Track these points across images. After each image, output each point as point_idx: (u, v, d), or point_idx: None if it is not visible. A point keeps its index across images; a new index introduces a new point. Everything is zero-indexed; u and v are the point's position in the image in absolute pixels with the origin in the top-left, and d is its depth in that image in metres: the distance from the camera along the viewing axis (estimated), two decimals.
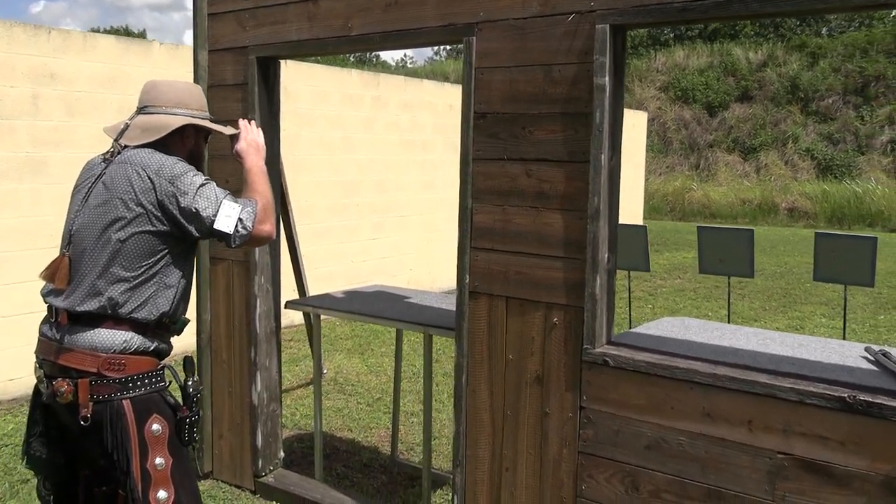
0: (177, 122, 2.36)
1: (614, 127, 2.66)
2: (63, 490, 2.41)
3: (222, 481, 3.95)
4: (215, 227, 2.23)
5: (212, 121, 2.52)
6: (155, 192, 2.21)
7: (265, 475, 3.81)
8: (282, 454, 3.93)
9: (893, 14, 27.05)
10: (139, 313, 2.23)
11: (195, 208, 2.21)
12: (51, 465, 2.33)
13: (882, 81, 22.30)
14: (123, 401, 2.18)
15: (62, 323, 2.22)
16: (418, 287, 8.53)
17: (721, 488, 2.45)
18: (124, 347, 2.21)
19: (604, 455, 2.70)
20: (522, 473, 2.90)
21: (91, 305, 2.20)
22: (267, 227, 2.32)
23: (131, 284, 2.21)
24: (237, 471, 3.89)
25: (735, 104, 24.22)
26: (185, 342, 5.33)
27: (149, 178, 2.21)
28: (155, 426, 2.21)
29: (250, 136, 2.52)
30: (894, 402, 2.17)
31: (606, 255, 2.69)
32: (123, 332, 2.22)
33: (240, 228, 2.26)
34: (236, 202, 2.28)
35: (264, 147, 2.54)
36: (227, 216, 2.23)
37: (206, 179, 2.28)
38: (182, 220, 2.22)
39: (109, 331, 2.21)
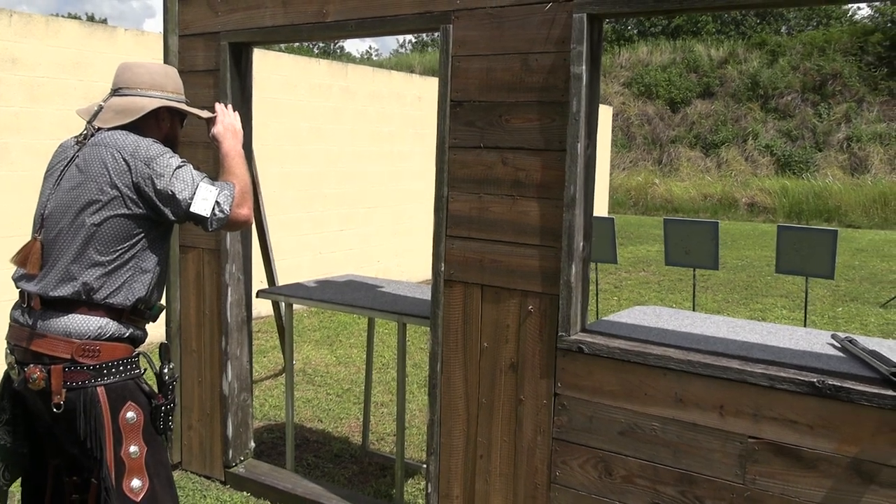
0: (152, 104, 2.32)
1: (590, 116, 2.68)
2: (29, 480, 2.37)
3: (192, 472, 3.91)
4: (192, 210, 2.20)
5: (187, 104, 2.48)
6: (130, 174, 2.17)
7: (235, 465, 3.78)
8: (252, 444, 3.90)
9: (850, 13, 27.66)
10: (114, 298, 2.19)
11: (171, 191, 2.18)
12: (15, 454, 2.28)
13: (839, 80, 22.78)
14: (98, 388, 2.14)
15: (35, 308, 2.18)
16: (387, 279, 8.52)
17: (693, 473, 2.50)
18: (99, 333, 2.17)
19: (578, 441, 2.73)
20: (497, 460, 2.92)
21: (65, 290, 2.16)
22: (244, 211, 2.30)
23: (106, 269, 2.18)
24: (207, 461, 3.85)
25: (697, 100, 24.56)
26: (153, 332, 5.26)
27: (124, 160, 2.18)
28: (129, 414, 2.18)
29: (227, 120, 2.49)
30: (861, 386, 2.23)
31: (581, 244, 2.72)
32: (98, 317, 2.18)
33: (217, 212, 2.23)
34: (213, 185, 2.25)
35: (241, 131, 2.51)
36: (204, 199, 2.20)
37: (182, 162, 2.25)
38: (158, 203, 2.19)
39: (84, 316, 2.17)
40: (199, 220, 2.23)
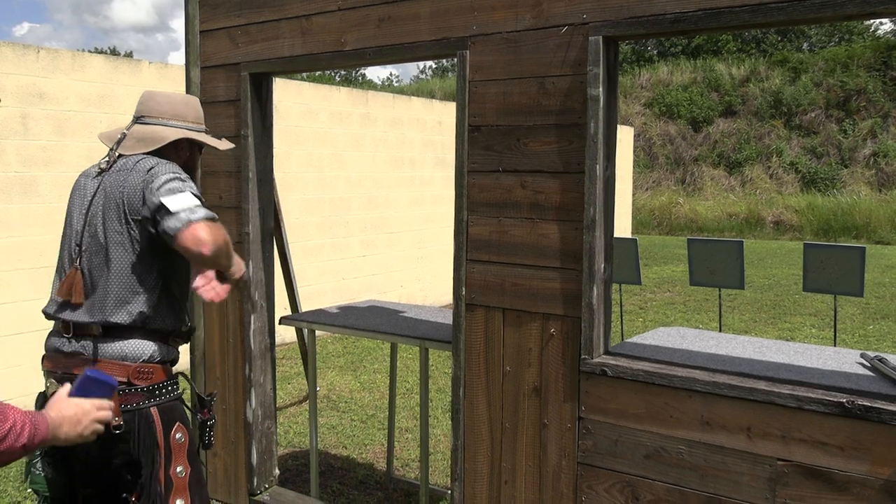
0: (172, 134, 2.37)
1: (608, 137, 2.68)
2: None
3: (217, 500, 3.91)
4: (162, 200, 2.10)
5: (207, 132, 2.52)
6: (145, 198, 2.21)
7: (260, 493, 3.77)
8: (277, 472, 3.90)
9: (873, 28, 27.46)
10: (162, 323, 2.28)
11: (160, 201, 2.11)
12: (54, 484, 2.32)
13: (863, 95, 22.58)
14: (151, 408, 2.23)
15: (93, 335, 2.23)
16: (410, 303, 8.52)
17: (721, 496, 2.45)
18: (151, 357, 2.26)
19: (603, 465, 2.69)
20: (522, 486, 2.89)
21: (118, 318, 2.22)
22: (202, 235, 2.08)
23: (149, 294, 2.24)
24: (232, 489, 3.85)
25: (719, 119, 24.45)
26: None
27: (141, 187, 2.21)
28: (178, 434, 2.27)
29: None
30: (892, 406, 2.18)
31: (603, 265, 2.70)
32: (150, 342, 2.26)
33: (191, 215, 2.09)
34: (201, 203, 2.16)
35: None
36: (182, 200, 2.11)
37: (192, 188, 2.22)
38: (150, 214, 2.15)
39: (138, 341, 2.24)
40: (165, 211, 2.10)
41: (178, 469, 2.25)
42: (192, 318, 2.48)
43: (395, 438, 4.44)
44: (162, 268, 2.27)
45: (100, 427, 1.85)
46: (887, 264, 13.77)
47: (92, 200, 2.29)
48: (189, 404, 2.46)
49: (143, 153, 2.32)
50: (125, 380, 2.20)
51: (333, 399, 5.85)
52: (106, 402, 1.87)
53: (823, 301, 9.84)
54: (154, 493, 2.20)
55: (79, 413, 1.79)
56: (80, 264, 2.26)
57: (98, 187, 2.30)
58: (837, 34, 28.70)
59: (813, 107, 23.15)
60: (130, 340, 2.24)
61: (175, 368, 2.40)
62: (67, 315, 2.27)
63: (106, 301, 2.23)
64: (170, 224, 2.08)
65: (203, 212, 2.12)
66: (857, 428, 2.22)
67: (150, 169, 2.24)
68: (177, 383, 2.35)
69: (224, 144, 2.54)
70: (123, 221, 2.22)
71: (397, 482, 4.26)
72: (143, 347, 2.25)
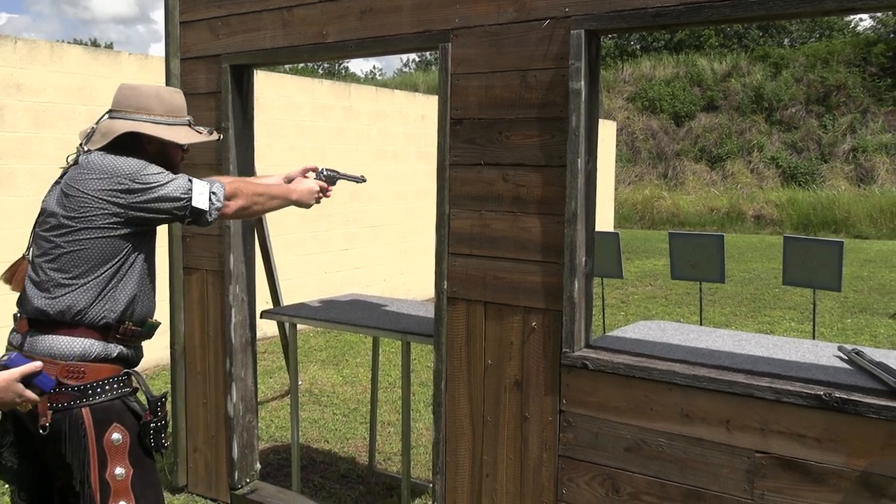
0: (122, 127, 2.29)
1: (590, 131, 2.68)
2: (38, 501, 2.35)
3: (197, 495, 3.89)
4: (194, 204, 2.25)
5: (191, 125, 2.45)
6: (110, 193, 2.17)
7: (241, 487, 3.76)
8: (258, 466, 3.88)
9: (853, 24, 27.69)
10: (96, 318, 2.18)
11: (161, 194, 2.21)
12: (22, 475, 2.27)
13: (843, 91, 22.78)
14: (82, 409, 2.13)
15: (22, 329, 2.19)
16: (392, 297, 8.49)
17: (700, 488, 2.47)
18: (83, 355, 2.15)
19: (584, 458, 2.71)
20: (503, 479, 2.90)
21: (49, 311, 2.16)
22: (233, 204, 2.39)
23: (87, 289, 2.17)
24: (212, 484, 3.83)
25: (701, 114, 24.58)
26: (158, 355, 5.25)
27: (100, 180, 2.17)
28: (115, 435, 2.16)
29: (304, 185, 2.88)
30: (868, 398, 2.20)
31: (584, 259, 2.71)
32: (82, 338, 2.16)
33: (214, 201, 2.31)
34: (204, 181, 2.33)
35: (305, 192, 2.91)
36: (200, 193, 2.26)
37: (166, 174, 2.26)
38: (149, 214, 2.22)
39: (68, 338, 2.15)
40: (199, 213, 2.28)
41: (117, 471, 2.14)
42: (152, 313, 2.38)
43: (377, 432, 4.43)
44: (118, 261, 2.21)
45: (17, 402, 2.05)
46: (865, 258, 13.92)
47: (49, 191, 2.27)
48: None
49: (101, 147, 2.26)
50: (54, 378, 2.11)
51: (315, 393, 5.84)
52: (30, 394, 2.07)
53: (802, 295, 9.93)
54: (87, 497, 2.12)
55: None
56: (29, 253, 2.23)
57: (57, 182, 2.27)
58: (818, 30, 28.92)
59: (793, 102, 23.33)
60: (58, 336, 2.15)
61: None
62: (17, 305, 2.25)
63: (40, 294, 2.17)
64: (208, 215, 2.30)
65: (207, 186, 2.32)
66: (835, 420, 2.24)
67: (115, 167, 2.20)
68: (122, 381, 2.24)
69: (192, 138, 2.42)
70: (79, 216, 2.16)
71: (379, 476, 4.26)
72: (73, 344, 2.15)
